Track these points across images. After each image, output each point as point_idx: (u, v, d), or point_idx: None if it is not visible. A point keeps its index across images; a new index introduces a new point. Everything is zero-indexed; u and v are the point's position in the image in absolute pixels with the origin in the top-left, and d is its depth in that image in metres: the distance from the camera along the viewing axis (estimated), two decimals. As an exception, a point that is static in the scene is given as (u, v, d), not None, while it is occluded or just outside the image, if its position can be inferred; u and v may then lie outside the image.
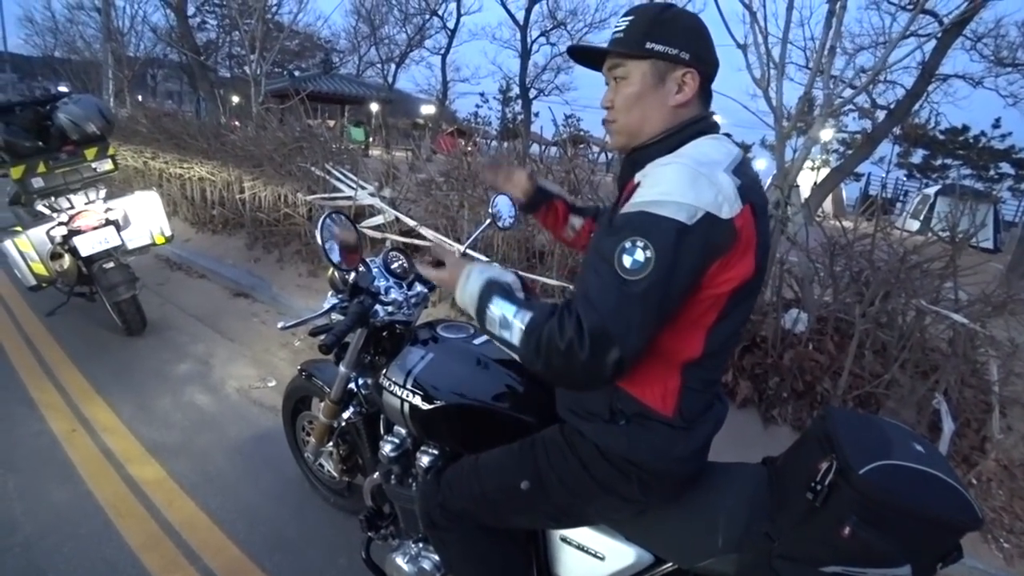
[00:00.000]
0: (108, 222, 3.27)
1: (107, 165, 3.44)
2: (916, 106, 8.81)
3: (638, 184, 0.88)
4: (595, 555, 1.12)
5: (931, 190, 15.06)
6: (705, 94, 0.97)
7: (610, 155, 3.95)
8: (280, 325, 1.21)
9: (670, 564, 1.05)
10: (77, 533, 1.92)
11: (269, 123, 5.27)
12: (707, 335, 0.91)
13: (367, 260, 1.48)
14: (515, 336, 0.89)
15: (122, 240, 3.31)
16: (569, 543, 1.16)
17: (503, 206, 1.56)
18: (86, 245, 3.15)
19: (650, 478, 0.97)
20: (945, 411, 2.18)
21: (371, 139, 18.07)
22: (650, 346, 0.85)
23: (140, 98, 15.41)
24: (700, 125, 0.95)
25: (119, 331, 3.45)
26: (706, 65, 0.94)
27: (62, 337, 3.41)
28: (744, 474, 1.09)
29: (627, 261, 0.81)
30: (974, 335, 2.34)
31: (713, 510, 1.02)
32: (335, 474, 1.97)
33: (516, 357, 0.91)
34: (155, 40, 14.26)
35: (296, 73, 19.84)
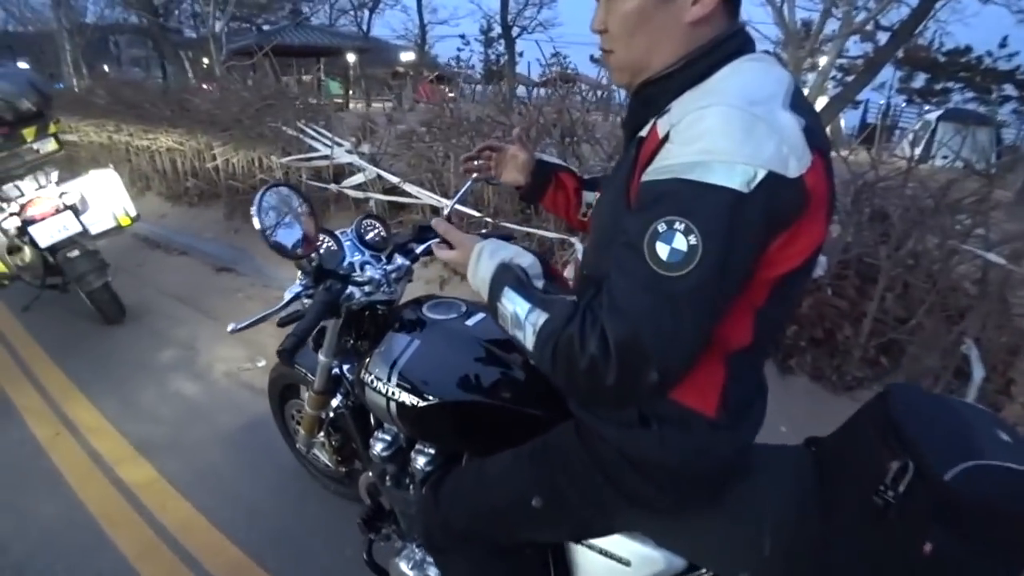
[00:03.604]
0: (65, 207, 3.00)
1: (50, 145, 3.13)
2: (921, 26, 8.24)
3: (666, 138, 0.66)
4: (620, 560, 0.99)
5: (932, 115, 14.52)
6: (730, 1, 0.72)
7: (602, 93, 3.64)
8: (229, 328, 1.01)
9: (706, 571, 0.92)
10: (70, 548, 1.81)
11: (233, 83, 4.90)
12: (756, 318, 0.72)
13: (336, 233, 1.28)
14: (528, 340, 0.72)
15: (83, 225, 3.05)
16: (591, 548, 1.02)
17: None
18: (44, 235, 2.90)
19: (687, 486, 0.82)
20: (975, 356, 2.04)
21: (350, 92, 17.27)
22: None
23: (106, 68, 14.54)
24: (733, 43, 0.71)
25: (98, 321, 3.26)
26: None
27: (39, 333, 3.22)
28: (787, 461, 0.94)
29: (663, 251, 0.61)
30: (1009, 275, 2.16)
31: (757, 509, 0.87)
32: (330, 465, 1.85)
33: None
34: (110, 3, 13.32)
35: (264, 28, 18.74)
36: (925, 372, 2.22)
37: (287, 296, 1.12)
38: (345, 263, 1.21)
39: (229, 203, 4.84)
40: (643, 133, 0.74)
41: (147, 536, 1.86)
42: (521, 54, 21.92)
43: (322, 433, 1.68)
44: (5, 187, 2.99)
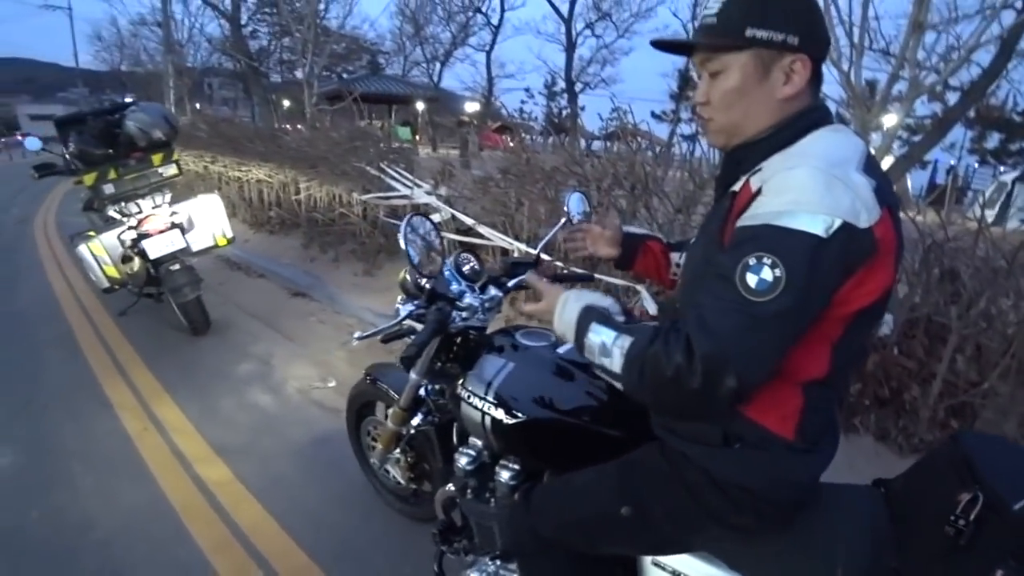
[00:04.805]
0: (174, 225, 3.39)
1: (172, 170, 3.58)
2: (993, 86, 8.01)
3: (758, 192, 0.79)
4: (691, 582, 1.04)
5: (1008, 176, 13.93)
6: (816, 78, 0.86)
7: (663, 149, 3.79)
8: (356, 336, 1.17)
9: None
10: (152, 533, 1.96)
11: (322, 124, 5.38)
12: (833, 351, 0.82)
13: None
14: (616, 363, 0.83)
15: (187, 243, 3.43)
16: (663, 568, 1.07)
17: (574, 203, 1.48)
18: (154, 248, 3.28)
19: (767, 507, 0.88)
20: (1059, 425, 1.96)
21: (417, 137, 18.34)
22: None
23: (199, 106, 16.15)
24: (815, 116, 0.85)
25: (185, 331, 3.57)
26: (817, 46, 0.84)
27: (133, 336, 3.56)
28: (858, 497, 0.98)
29: (752, 280, 0.73)
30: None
31: (830, 539, 0.92)
32: (402, 481, 1.94)
33: (620, 387, 0.85)
34: (211, 50, 14.93)
35: (344, 76, 20.33)
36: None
37: (402, 312, 1.27)
38: (451, 290, 1.34)
39: (308, 233, 5.22)
40: (736, 188, 0.88)
41: (222, 532, 1.99)
42: (583, 108, 22.74)
43: (398, 450, 1.80)
44: (128, 204, 3.40)
